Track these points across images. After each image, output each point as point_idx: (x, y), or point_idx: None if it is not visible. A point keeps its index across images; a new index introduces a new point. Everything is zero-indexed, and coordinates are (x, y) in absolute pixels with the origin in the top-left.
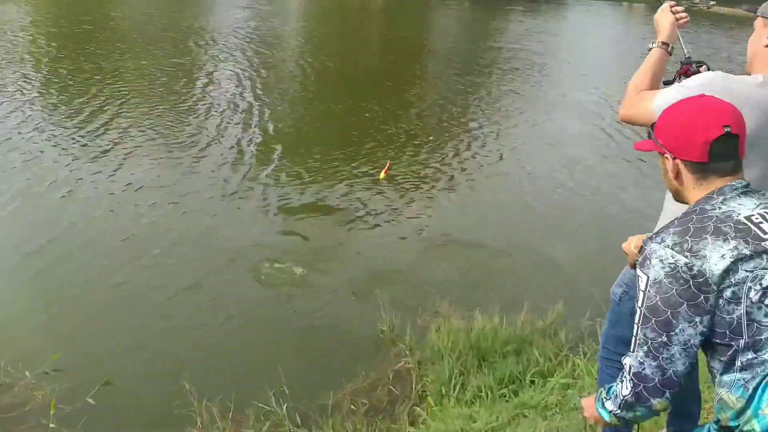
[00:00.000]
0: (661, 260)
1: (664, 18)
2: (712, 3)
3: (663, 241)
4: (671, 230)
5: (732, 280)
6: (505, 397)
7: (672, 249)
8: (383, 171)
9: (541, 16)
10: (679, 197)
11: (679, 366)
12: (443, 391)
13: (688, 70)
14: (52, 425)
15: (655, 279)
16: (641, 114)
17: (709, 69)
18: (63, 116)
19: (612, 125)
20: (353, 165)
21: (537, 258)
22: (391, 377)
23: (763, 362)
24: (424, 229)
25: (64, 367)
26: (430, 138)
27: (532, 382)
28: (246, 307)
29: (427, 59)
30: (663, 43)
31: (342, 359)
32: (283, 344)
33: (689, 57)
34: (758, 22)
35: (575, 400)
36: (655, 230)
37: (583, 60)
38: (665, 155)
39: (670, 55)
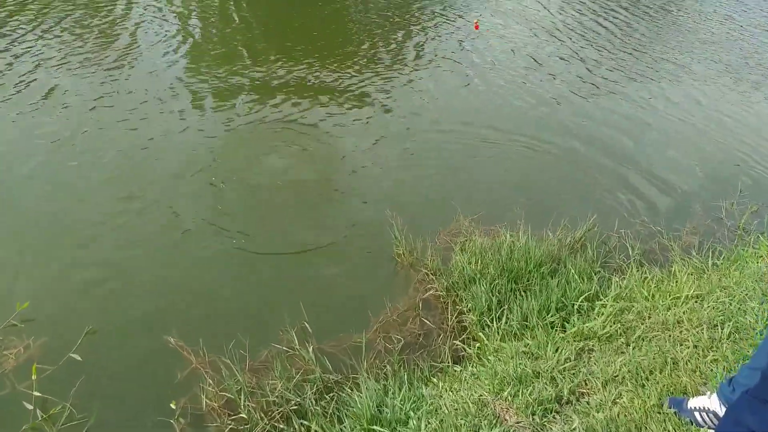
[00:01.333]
0: None
1: None
2: None
3: None
4: None
5: None
6: (554, 326)
7: None
8: (475, 25)
9: None
10: None
11: None
12: (484, 321)
13: None
14: (36, 393)
15: None
16: None
17: None
18: None
19: None
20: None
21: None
22: (420, 307)
23: None
24: (422, 131)
25: (35, 318)
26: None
27: (580, 308)
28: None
29: None
30: None
31: (364, 292)
32: (292, 284)
33: None
34: None
35: (639, 329)
36: None
37: None
38: None
39: None
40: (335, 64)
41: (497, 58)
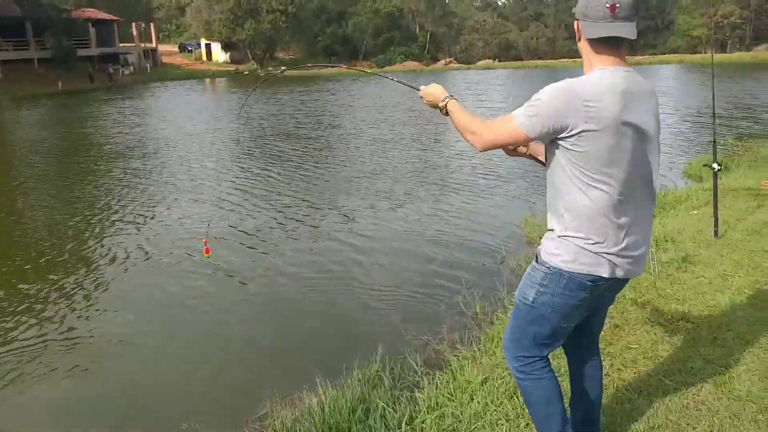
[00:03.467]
0: None
1: (432, 88)
2: (283, 68)
3: None
4: None
5: None
6: None
7: None
8: (205, 251)
9: (130, 100)
10: None
11: None
12: None
13: None
14: None
15: None
16: (507, 135)
17: None
18: None
19: None
20: None
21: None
22: None
23: None
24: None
25: None
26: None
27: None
28: None
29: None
30: (448, 96)
31: None
32: None
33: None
34: (576, 25)
35: (463, 426)
36: None
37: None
38: None
39: None
40: None
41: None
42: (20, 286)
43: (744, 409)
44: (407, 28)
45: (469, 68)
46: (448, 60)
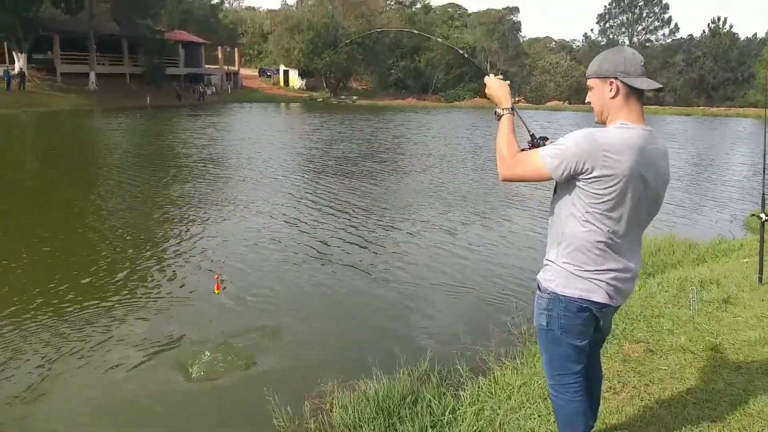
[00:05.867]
0: None
1: (499, 86)
2: (355, 97)
3: None
4: None
5: None
6: None
7: None
8: (215, 287)
9: (213, 117)
10: None
11: None
12: None
13: (535, 143)
14: None
15: None
16: (531, 171)
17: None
18: None
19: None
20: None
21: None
22: None
23: None
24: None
25: None
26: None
27: (448, 421)
28: None
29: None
30: (510, 108)
31: None
32: None
33: (533, 134)
34: (595, 82)
35: (496, 421)
36: None
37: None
38: None
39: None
40: None
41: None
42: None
43: (753, 424)
44: (478, 66)
45: (537, 108)
46: (517, 98)
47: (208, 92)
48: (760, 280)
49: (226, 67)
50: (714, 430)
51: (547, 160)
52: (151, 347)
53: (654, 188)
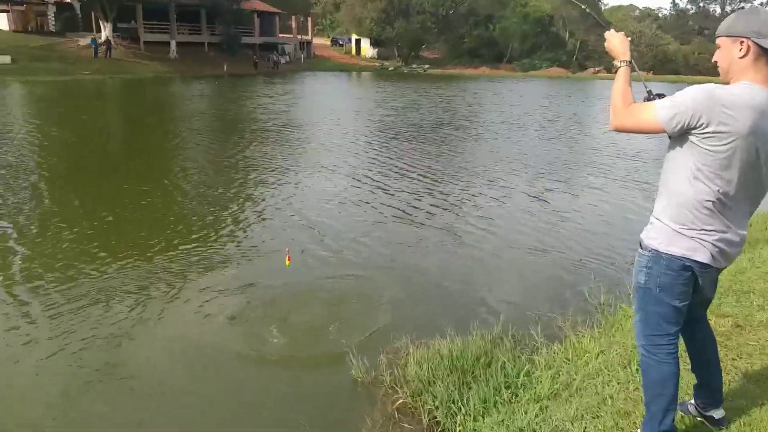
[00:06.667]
0: None
1: (619, 42)
2: (427, 66)
3: None
4: None
5: None
6: (508, 400)
7: None
8: (287, 259)
9: (288, 84)
10: None
11: None
12: (452, 410)
13: (651, 99)
14: None
15: None
16: (644, 123)
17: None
18: None
19: None
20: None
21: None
22: (397, 416)
23: None
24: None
25: None
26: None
27: (522, 383)
28: None
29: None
30: (627, 61)
31: (338, 411)
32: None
33: (650, 90)
34: (724, 41)
35: (574, 384)
36: None
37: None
38: None
39: (633, 70)
40: None
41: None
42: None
43: None
44: (556, 34)
45: None
46: (596, 69)
47: (282, 61)
48: None
49: (299, 36)
50: None
51: (660, 111)
52: (234, 300)
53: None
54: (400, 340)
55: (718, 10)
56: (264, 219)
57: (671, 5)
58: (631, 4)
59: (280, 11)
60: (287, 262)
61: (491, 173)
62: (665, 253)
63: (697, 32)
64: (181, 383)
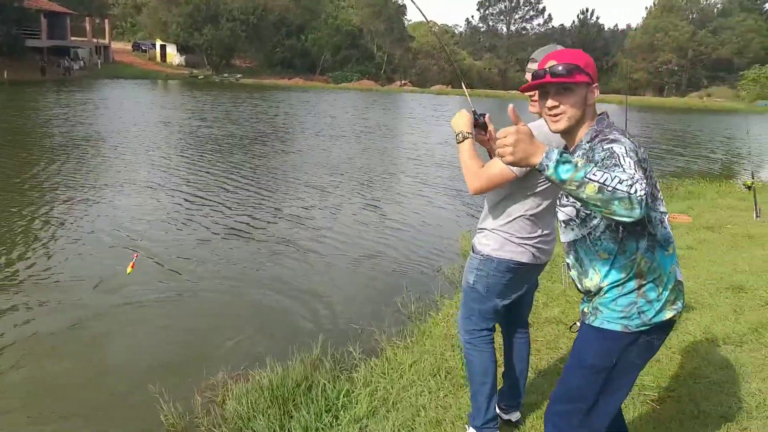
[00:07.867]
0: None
1: (461, 117)
2: (239, 76)
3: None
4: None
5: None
6: (329, 424)
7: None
8: (130, 265)
9: (80, 93)
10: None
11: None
12: None
13: (476, 118)
14: None
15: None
16: (499, 177)
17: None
18: None
19: None
20: None
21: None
22: None
23: None
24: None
25: None
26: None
27: (342, 404)
28: None
29: None
30: (468, 132)
31: None
32: None
33: (474, 110)
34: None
35: (390, 399)
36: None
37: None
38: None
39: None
40: None
41: None
42: None
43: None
44: (366, 47)
45: (423, 92)
46: (403, 82)
47: (76, 66)
48: None
49: (95, 40)
50: None
51: (507, 167)
52: (26, 338)
53: None
54: (216, 375)
55: (505, 29)
56: (71, 242)
57: (465, 23)
58: (432, 21)
59: (71, 12)
60: (129, 270)
61: (315, 183)
62: (495, 257)
63: (487, 49)
64: None
